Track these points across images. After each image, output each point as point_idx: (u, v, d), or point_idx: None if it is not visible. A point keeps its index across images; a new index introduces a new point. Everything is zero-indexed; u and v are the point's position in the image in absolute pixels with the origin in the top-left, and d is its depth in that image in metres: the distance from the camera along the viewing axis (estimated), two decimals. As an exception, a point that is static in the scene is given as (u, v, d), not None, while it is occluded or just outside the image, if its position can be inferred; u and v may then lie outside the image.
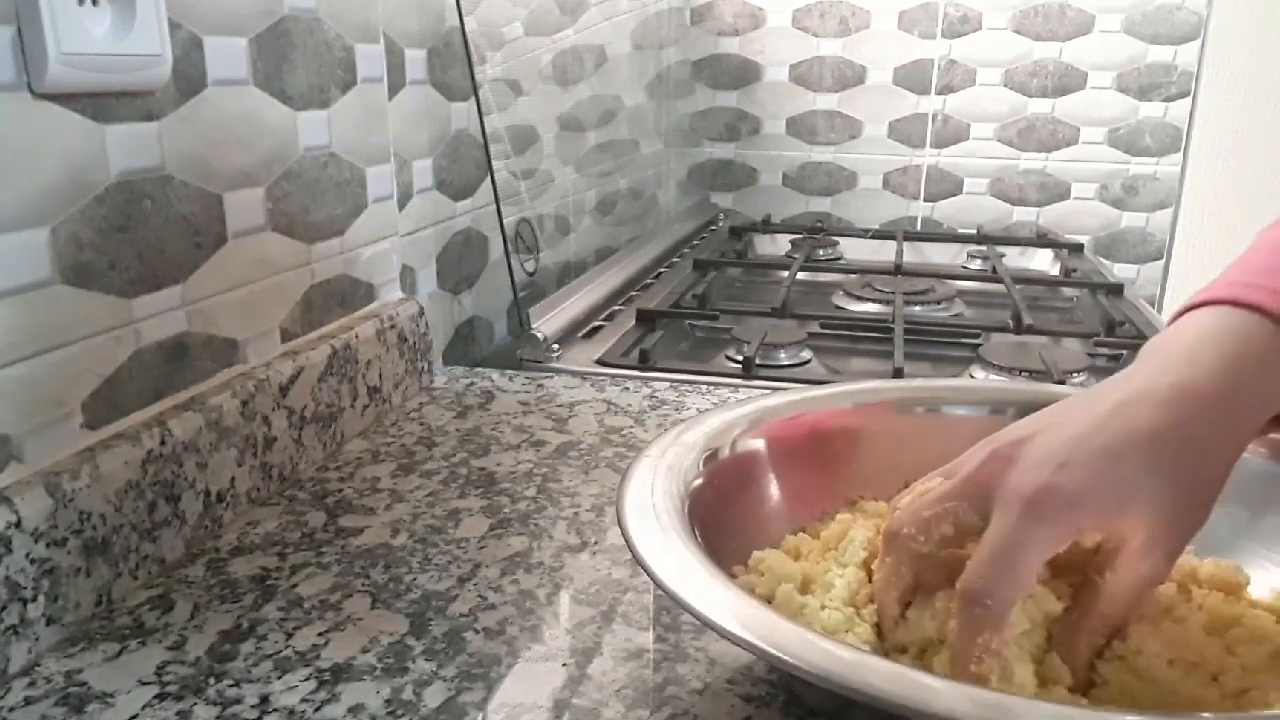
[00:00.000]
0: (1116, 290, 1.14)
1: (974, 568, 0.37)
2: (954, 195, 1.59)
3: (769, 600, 0.42)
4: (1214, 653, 0.39)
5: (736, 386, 0.82)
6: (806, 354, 0.92)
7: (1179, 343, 0.40)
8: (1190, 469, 0.38)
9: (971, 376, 0.87)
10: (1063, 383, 0.80)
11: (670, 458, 0.48)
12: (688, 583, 0.37)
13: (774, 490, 0.52)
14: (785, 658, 0.32)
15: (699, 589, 0.36)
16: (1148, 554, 0.38)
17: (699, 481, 0.47)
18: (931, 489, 0.41)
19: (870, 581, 0.43)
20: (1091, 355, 0.93)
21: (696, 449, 0.49)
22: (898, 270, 1.20)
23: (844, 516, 0.49)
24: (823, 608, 0.42)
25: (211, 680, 0.43)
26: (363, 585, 0.51)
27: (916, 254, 1.41)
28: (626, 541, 0.40)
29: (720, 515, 0.47)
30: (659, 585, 0.37)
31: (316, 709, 0.41)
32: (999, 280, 1.17)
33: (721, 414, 0.53)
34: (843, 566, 0.44)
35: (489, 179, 0.91)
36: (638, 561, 0.39)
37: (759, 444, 0.52)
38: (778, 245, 1.48)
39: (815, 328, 0.98)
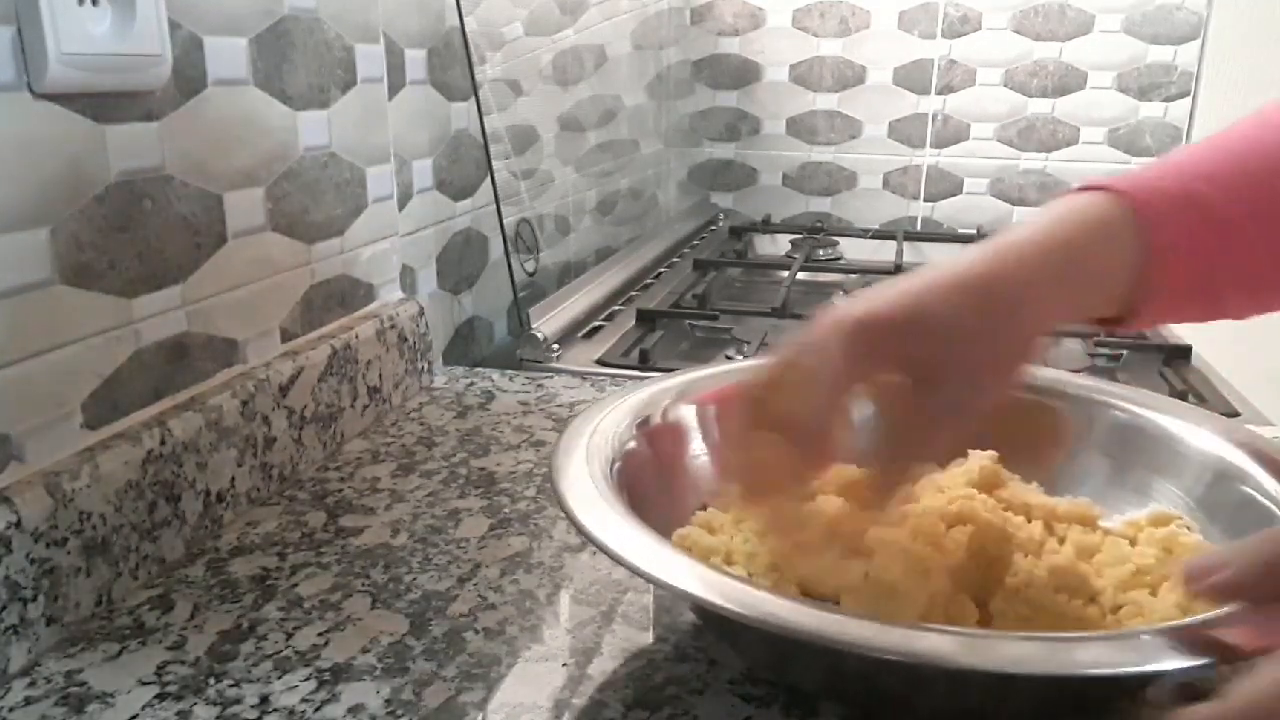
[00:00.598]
0: (1116, 290, 1.13)
1: (795, 392, 0.40)
2: (954, 195, 1.59)
3: None
4: (1087, 577, 0.43)
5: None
6: (806, 354, 0.92)
7: (1031, 218, 0.42)
8: (986, 296, 0.39)
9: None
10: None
11: (604, 426, 0.50)
12: (640, 554, 0.38)
13: (696, 452, 0.54)
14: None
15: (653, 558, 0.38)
16: (962, 377, 0.40)
17: (631, 444, 0.49)
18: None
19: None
20: (1092, 355, 0.93)
21: (629, 416, 0.52)
22: (898, 270, 1.20)
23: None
24: (750, 575, 0.45)
25: (211, 680, 0.43)
26: (363, 585, 0.51)
27: (916, 254, 1.41)
28: (567, 514, 0.41)
29: (648, 478, 0.49)
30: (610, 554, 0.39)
31: (316, 709, 0.41)
32: (999, 280, 1.17)
33: (650, 386, 0.56)
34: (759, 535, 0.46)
35: (489, 179, 0.91)
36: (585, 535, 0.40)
37: (686, 411, 0.54)
38: (778, 245, 1.47)
39: (815, 328, 0.98)
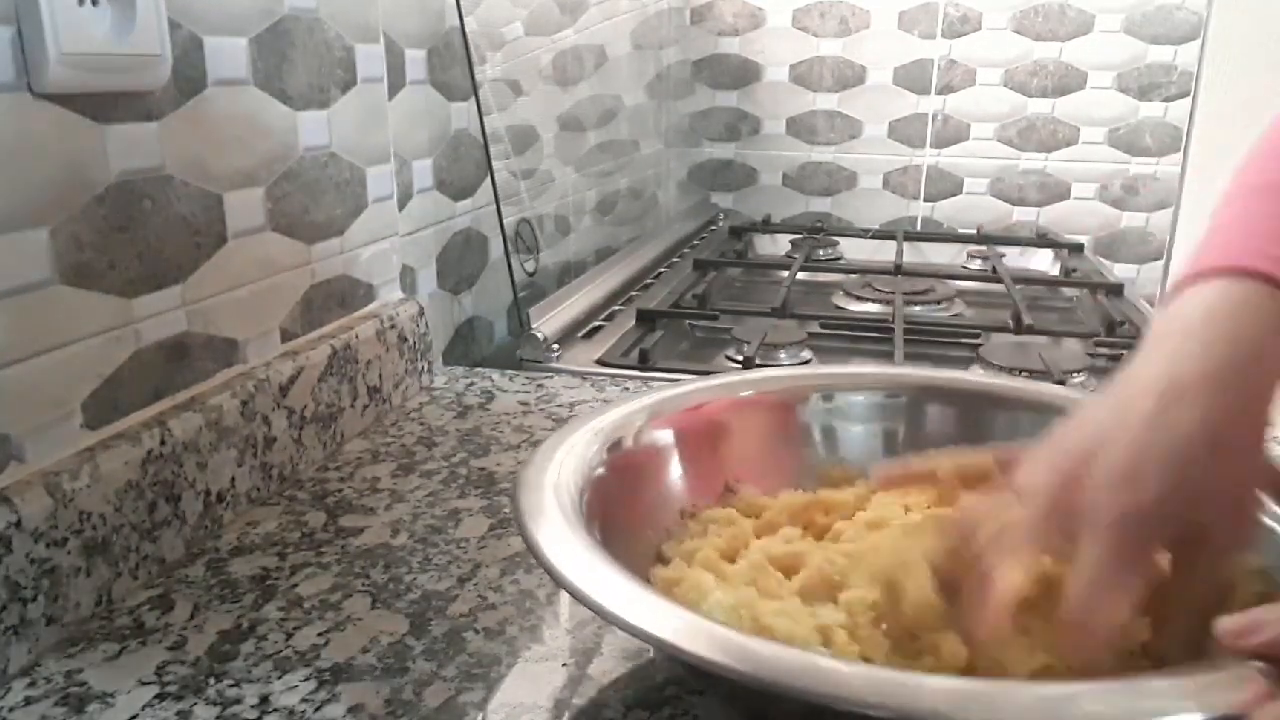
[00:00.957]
0: (1116, 290, 1.14)
1: (1076, 595, 0.38)
2: (954, 195, 1.59)
3: None
4: None
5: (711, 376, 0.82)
6: (806, 354, 0.92)
7: (1190, 326, 0.40)
8: (1244, 452, 0.39)
9: (971, 376, 0.87)
10: (1062, 383, 0.80)
11: (574, 449, 0.48)
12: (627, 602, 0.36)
13: (672, 478, 0.53)
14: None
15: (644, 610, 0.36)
16: (1231, 530, 0.40)
17: (600, 471, 0.47)
18: (1002, 529, 0.41)
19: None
20: (1091, 355, 0.93)
21: (599, 439, 0.50)
22: (898, 270, 1.20)
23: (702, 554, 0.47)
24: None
25: (211, 680, 0.43)
26: (363, 585, 0.51)
27: (916, 254, 1.41)
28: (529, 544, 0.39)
29: (618, 503, 0.48)
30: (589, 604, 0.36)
31: (316, 709, 0.41)
32: (999, 280, 1.17)
33: (623, 405, 0.54)
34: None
35: (489, 179, 0.91)
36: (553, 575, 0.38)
37: (660, 434, 0.53)
38: (778, 245, 1.48)
39: (815, 328, 0.98)
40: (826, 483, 0.54)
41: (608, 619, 0.35)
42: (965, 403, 0.59)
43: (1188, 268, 0.42)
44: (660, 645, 0.33)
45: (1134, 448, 0.39)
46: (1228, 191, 0.45)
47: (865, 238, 1.46)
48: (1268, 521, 0.45)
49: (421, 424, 0.73)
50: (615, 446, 0.50)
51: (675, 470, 0.53)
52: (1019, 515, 0.41)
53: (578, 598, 0.36)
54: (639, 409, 0.54)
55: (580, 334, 0.97)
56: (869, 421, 0.59)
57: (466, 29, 0.86)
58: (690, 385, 0.58)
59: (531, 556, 0.38)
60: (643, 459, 0.52)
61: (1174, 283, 0.43)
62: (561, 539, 0.39)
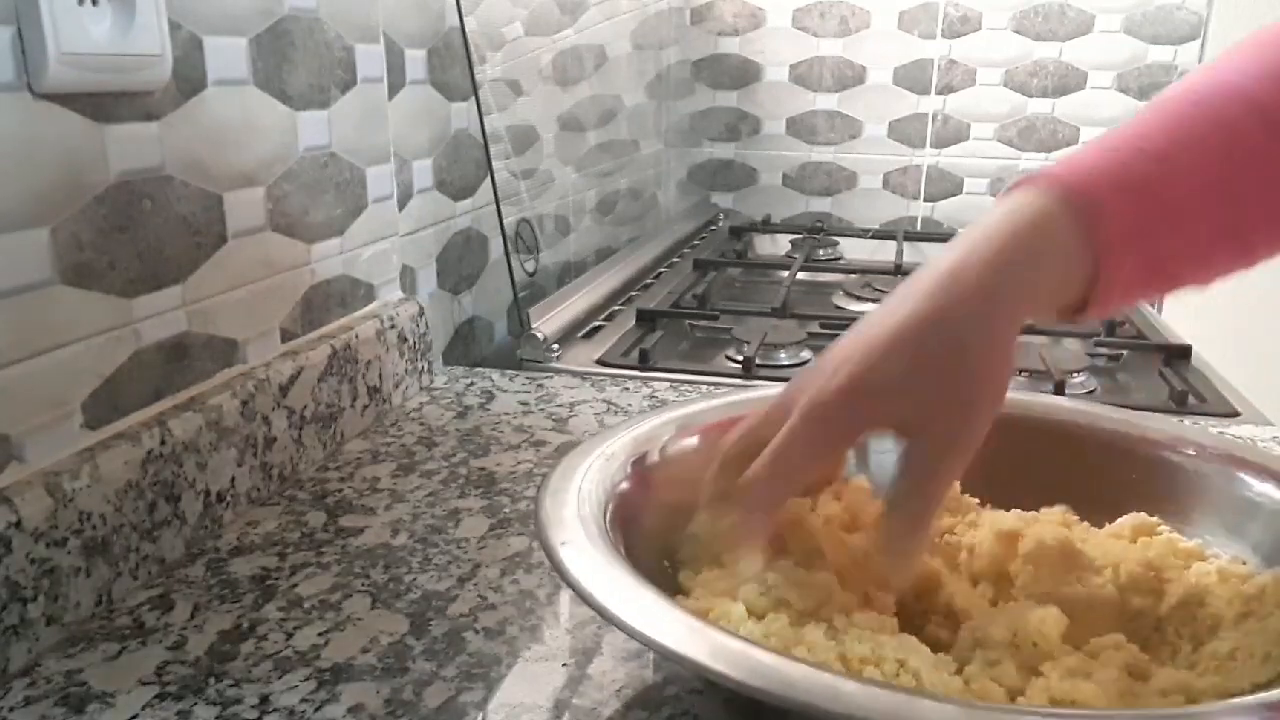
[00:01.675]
0: (1116, 290, 1.13)
1: (756, 463, 0.40)
2: (954, 195, 1.59)
3: None
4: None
5: (737, 387, 0.82)
6: (806, 354, 0.92)
7: (972, 228, 0.41)
8: (939, 342, 0.39)
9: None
10: (1063, 383, 0.80)
11: (596, 464, 0.47)
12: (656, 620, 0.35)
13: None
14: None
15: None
16: (929, 425, 0.39)
17: (625, 485, 0.47)
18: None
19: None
20: (1091, 355, 0.93)
21: (623, 453, 0.49)
22: (898, 270, 1.20)
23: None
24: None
25: (211, 680, 0.43)
26: (363, 585, 0.51)
27: (916, 254, 1.41)
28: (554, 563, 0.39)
29: (644, 517, 0.47)
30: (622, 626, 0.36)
31: (316, 709, 0.41)
32: (999, 280, 1.16)
33: (652, 418, 0.53)
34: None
35: (489, 179, 0.91)
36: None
37: (688, 445, 0.52)
38: (778, 245, 1.48)
39: (815, 328, 0.98)
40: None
41: (649, 645, 0.34)
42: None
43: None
44: (693, 667, 0.33)
45: (859, 336, 0.40)
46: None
47: (865, 238, 1.46)
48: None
49: (421, 424, 0.73)
50: (640, 460, 0.49)
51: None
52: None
53: (611, 620, 0.36)
54: (667, 421, 0.53)
55: (580, 334, 0.97)
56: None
57: (466, 29, 0.85)
58: (720, 399, 0.56)
59: (559, 576, 0.38)
60: (669, 472, 0.51)
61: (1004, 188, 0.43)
62: (588, 556, 0.39)
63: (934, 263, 0.40)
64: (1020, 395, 0.71)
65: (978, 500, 0.50)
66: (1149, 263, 0.40)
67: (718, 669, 0.32)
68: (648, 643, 0.34)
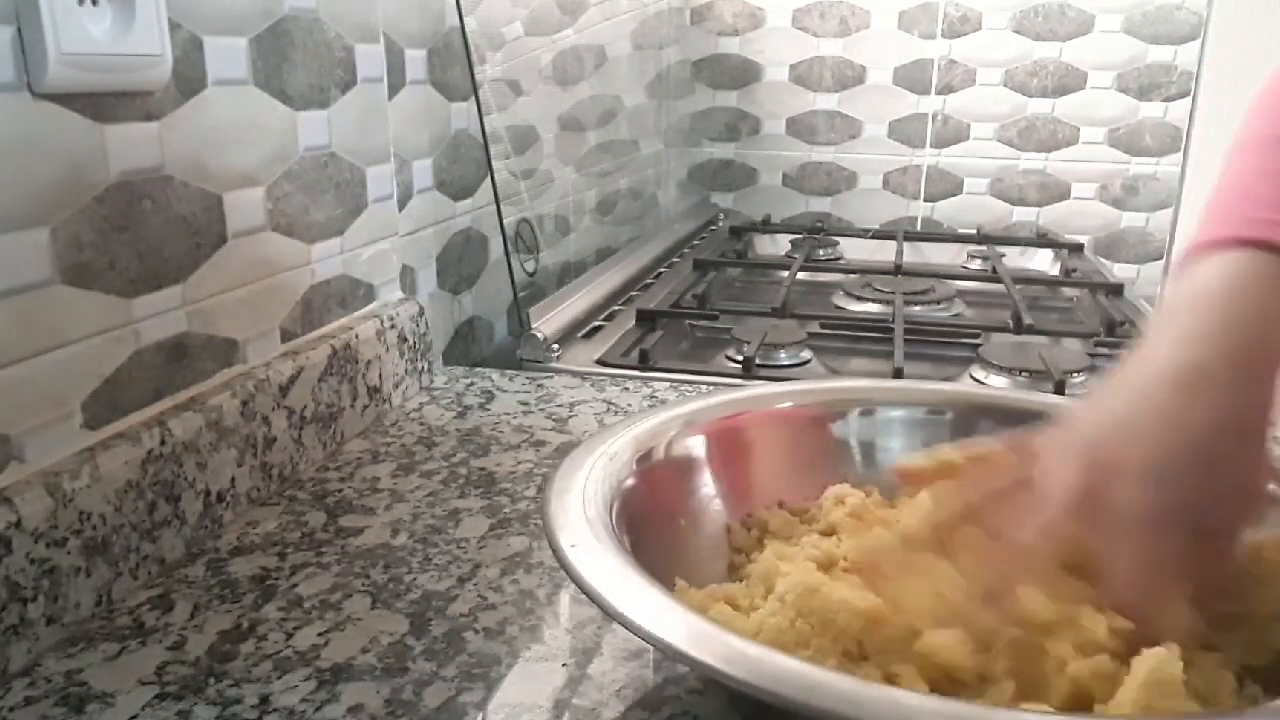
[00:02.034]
0: (1116, 290, 1.14)
1: (1118, 596, 0.38)
2: (954, 195, 1.59)
3: None
4: None
5: (737, 387, 0.82)
6: (806, 354, 0.92)
7: (1202, 302, 0.40)
8: (1263, 441, 0.39)
9: (972, 377, 0.87)
10: (1063, 383, 0.80)
11: (601, 461, 0.47)
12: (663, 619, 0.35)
13: (706, 490, 0.52)
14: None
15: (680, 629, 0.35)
16: (1244, 517, 0.40)
17: (631, 482, 0.47)
18: (1020, 532, 0.41)
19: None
20: (1091, 355, 0.93)
21: (628, 450, 0.49)
22: (898, 270, 1.20)
23: (769, 554, 0.47)
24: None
25: (211, 680, 0.43)
26: (363, 585, 0.51)
27: (916, 254, 1.41)
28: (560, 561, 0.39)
29: (651, 517, 0.47)
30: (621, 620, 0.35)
31: (316, 709, 0.41)
32: (999, 280, 1.17)
33: (655, 415, 0.53)
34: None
35: (489, 179, 0.91)
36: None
37: (693, 443, 0.52)
38: (778, 245, 1.48)
39: (815, 328, 0.98)
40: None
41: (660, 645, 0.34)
42: (1018, 422, 0.55)
43: (1196, 237, 0.42)
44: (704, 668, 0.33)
45: (1161, 446, 0.38)
46: (1233, 146, 0.44)
47: (865, 238, 1.46)
48: None
49: (421, 424, 0.73)
50: (646, 457, 0.49)
51: (707, 483, 0.52)
52: (1040, 508, 0.40)
53: (616, 618, 0.35)
54: (671, 418, 0.53)
55: (580, 334, 0.97)
56: (911, 439, 0.57)
57: (466, 29, 0.85)
58: (725, 396, 0.56)
59: (568, 575, 0.38)
60: (674, 471, 0.51)
61: (1183, 254, 0.42)
62: (596, 554, 0.38)
63: (1189, 349, 0.39)
64: (1021, 394, 0.72)
65: None
66: None
67: (745, 679, 0.31)
68: (668, 650, 0.33)
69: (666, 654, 0.34)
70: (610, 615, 0.35)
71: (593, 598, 0.36)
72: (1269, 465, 0.40)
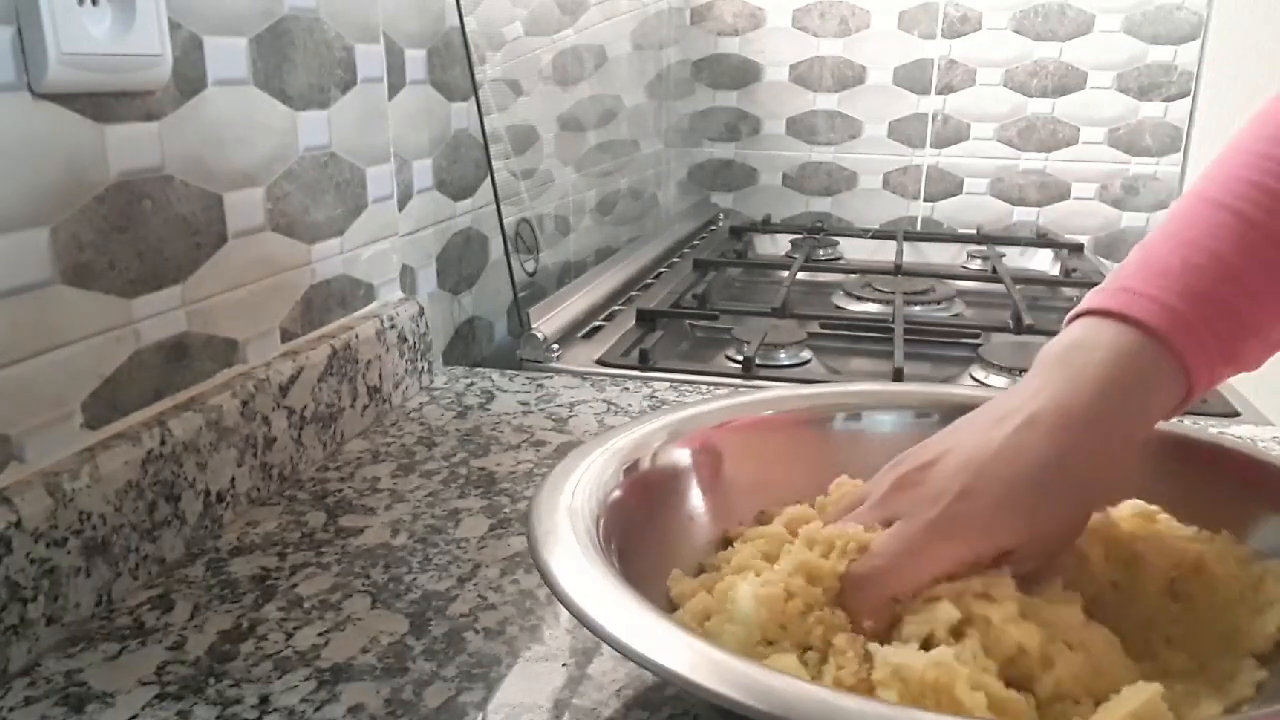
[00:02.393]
0: (1116, 290, 1.13)
1: (871, 557, 0.40)
2: (954, 195, 1.59)
3: None
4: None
5: (737, 386, 0.82)
6: (806, 354, 0.92)
7: (1067, 359, 0.42)
8: (1075, 494, 0.41)
9: (972, 377, 0.87)
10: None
11: (590, 471, 0.47)
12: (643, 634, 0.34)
13: (693, 502, 0.51)
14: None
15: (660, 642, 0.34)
16: (1033, 560, 0.42)
17: (617, 494, 0.46)
18: (843, 519, 0.44)
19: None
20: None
21: (615, 460, 0.48)
22: (898, 270, 1.20)
23: (740, 555, 0.47)
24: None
25: (211, 680, 0.43)
26: (363, 585, 0.51)
27: (916, 254, 1.41)
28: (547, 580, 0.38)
29: (640, 528, 0.46)
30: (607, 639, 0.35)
31: (316, 709, 0.41)
32: (999, 280, 1.17)
33: (640, 425, 0.52)
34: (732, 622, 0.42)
35: (489, 179, 0.91)
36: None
37: (679, 454, 0.52)
38: (778, 245, 1.48)
39: (815, 328, 0.98)
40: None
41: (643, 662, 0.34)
42: None
43: (1088, 299, 0.44)
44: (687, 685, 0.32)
45: (974, 463, 0.41)
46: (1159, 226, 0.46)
47: (865, 238, 1.46)
48: None
49: (421, 424, 0.73)
50: (632, 468, 0.48)
51: (694, 494, 0.51)
52: (855, 511, 0.44)
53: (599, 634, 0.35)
54: (657, 428, 0.52)
55: (580, 334, 0.97)
56: (896, 445, 0.57)
57: (466, 29, 0.86)
58: (713, 404, 0.56)
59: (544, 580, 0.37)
60: (660, 481, 0.50)
61: (1073, 312, 0.45)
62: (582, 572, 0.38)
63: (1040, 394, 0.41)
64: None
65: None
66: (1227, 366, 0.42)
67: (734, 697, 0.31)
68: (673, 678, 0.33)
69: (662, 676, 0.33)
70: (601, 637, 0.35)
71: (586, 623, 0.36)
72: (1075, 529, 0.43)
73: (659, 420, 0.53)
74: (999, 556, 0.41)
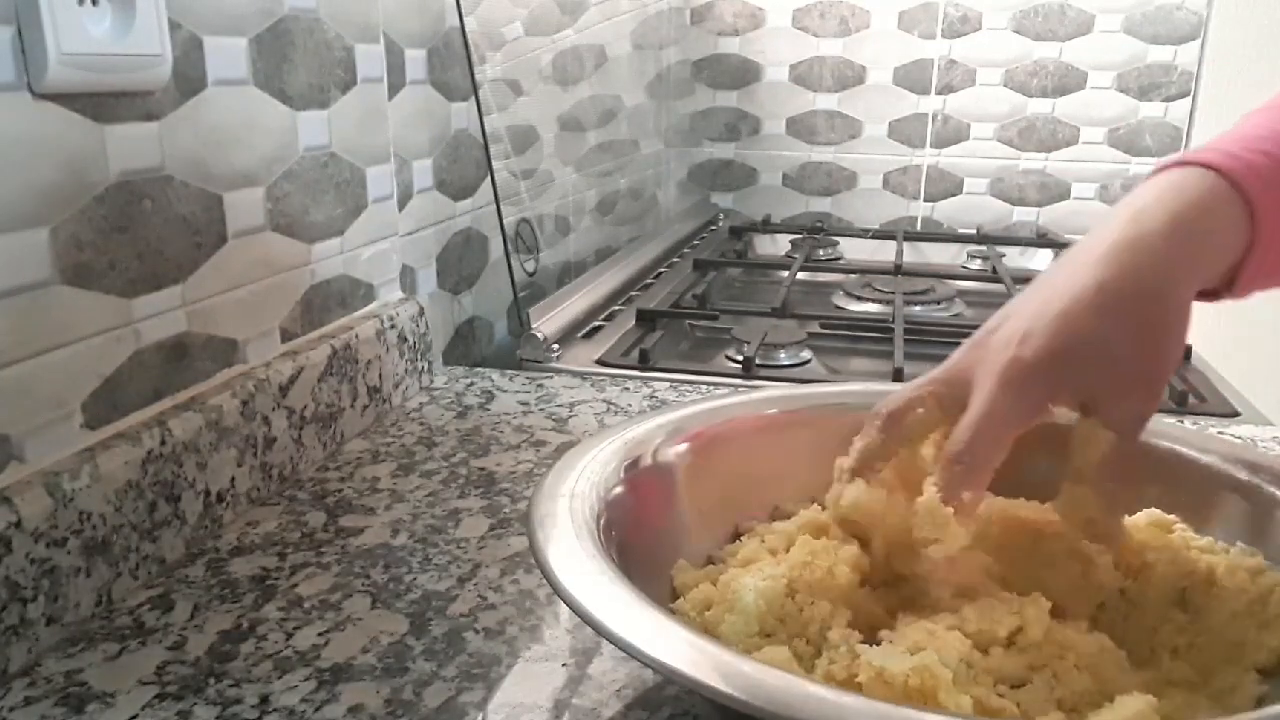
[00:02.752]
0: (1116, 290, 1.13)
1: (957, 432, 0.41)
2: (954, 195, 1.59)
3: None
4: None
5: (736, 386, 0.82)
6: (806, 354, 0.92)
7: (1131, 202, 0.42)
8: (1136, 312, 0.40)
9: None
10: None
11: (589, 470, 0.47)
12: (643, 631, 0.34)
13: (699, 497, 0.51)
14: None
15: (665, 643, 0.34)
16: (1122, 397, 0.41)
17: (619, 490, 0.46)
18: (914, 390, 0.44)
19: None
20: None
21: (617, 457, 0.48)
22: (898, 270, 1.20)
23: (747, 549, 0.47)
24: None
25: (211, 680, 0.43)
26: (363, 585, 0.51)
27: (916, 254, 1.41)
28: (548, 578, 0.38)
29: (639, 526, 0.46)
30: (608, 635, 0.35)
31: (316, 709, 0.41)
32: (999, 280, 1.17)
33: (642, 422, 0.52)
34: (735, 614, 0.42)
35: (489, 179, 0.91)
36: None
37: (679, 451, 0.51)
38: (778, 245, 1.48)
39: (815, 328, 0.98)
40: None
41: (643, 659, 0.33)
42: None
43: (1156, 164, 0.44)
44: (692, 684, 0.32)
45: (1034, 309, 0.41)
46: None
47: (865, 238, 1.46)
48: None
49: (421, 424, 0.73)
50: (633, 465, 0.49)
51: (699, 490, 0.51)
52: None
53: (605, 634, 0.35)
54: (658, 426, 0.52)
55: (580, 334, 0.97)
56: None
57: (466, 29, 0.86)
58: (714, 402, 0.56)
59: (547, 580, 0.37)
60: (660, 480, 0.50)
61: (1153, 168, 0.44)
62: (581, 567, 0.38)
63: (1100, 235, 0.41)
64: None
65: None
66: None
67: (739, 697, 0.31)
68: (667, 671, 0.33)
69: (666, 675, 0.33)
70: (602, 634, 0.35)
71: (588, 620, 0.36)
72: (1157, 363, 0.41)
73: (660, 417, 0.53)
74: (1085, 405, 0.40)
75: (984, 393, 0.40)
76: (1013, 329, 0.41)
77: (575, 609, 0.35)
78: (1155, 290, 0.40)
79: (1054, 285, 0.41)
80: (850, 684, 0.36)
